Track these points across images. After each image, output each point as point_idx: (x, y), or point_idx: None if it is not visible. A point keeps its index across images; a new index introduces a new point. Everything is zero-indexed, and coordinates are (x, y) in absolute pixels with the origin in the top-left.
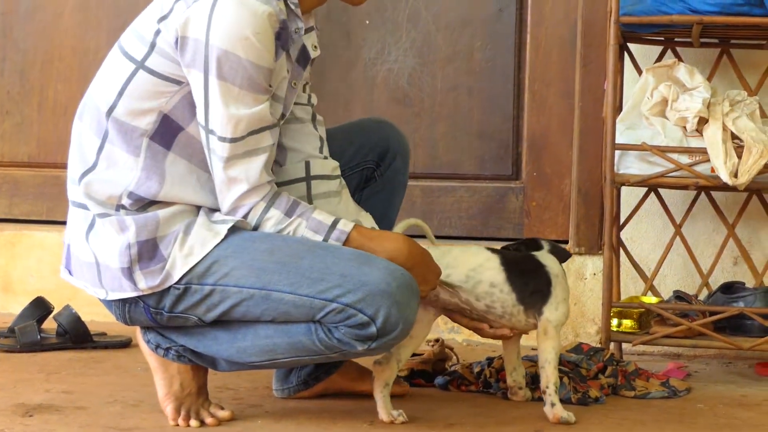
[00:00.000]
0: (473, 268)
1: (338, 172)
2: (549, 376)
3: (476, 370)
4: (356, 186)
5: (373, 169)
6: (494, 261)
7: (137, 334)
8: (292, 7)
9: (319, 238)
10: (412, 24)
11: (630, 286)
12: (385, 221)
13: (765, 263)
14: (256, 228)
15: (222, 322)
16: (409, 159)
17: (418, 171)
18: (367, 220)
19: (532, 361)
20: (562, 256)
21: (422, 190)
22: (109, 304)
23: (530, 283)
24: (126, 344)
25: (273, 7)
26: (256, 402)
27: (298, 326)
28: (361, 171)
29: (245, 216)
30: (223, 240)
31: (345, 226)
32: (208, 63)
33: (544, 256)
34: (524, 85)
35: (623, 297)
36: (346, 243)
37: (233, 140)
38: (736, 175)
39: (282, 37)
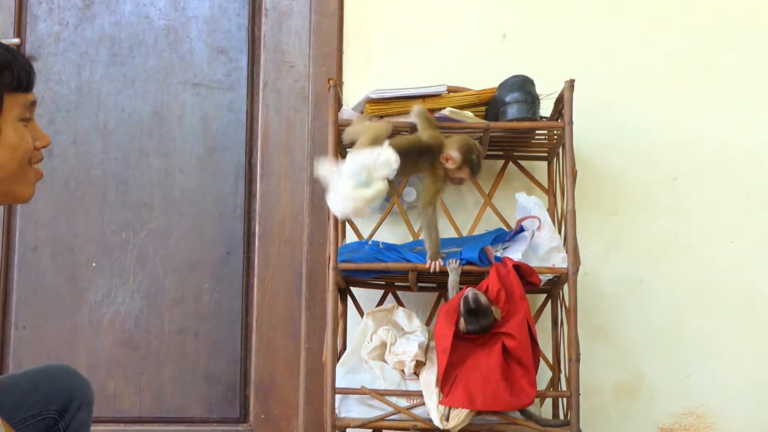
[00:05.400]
0: None
1: None
2: None
3: None
4: None
5: (55, 419)
6: None
7: None
8: None
9: None
10: (140, 267)
11: None
12: None
13: None
14: None
15: None
16: (92, 409)
17: (144, 415)
18: None
19: None
20: None
21: None
22: None
23: None
24: None
25: None
26: None
27: None
28: (42, 420)
29: None
30: None
31: None
32: None
33: None
34: (252, 327)
35: None
36: None
37: None
38: (447, 419)
39: None
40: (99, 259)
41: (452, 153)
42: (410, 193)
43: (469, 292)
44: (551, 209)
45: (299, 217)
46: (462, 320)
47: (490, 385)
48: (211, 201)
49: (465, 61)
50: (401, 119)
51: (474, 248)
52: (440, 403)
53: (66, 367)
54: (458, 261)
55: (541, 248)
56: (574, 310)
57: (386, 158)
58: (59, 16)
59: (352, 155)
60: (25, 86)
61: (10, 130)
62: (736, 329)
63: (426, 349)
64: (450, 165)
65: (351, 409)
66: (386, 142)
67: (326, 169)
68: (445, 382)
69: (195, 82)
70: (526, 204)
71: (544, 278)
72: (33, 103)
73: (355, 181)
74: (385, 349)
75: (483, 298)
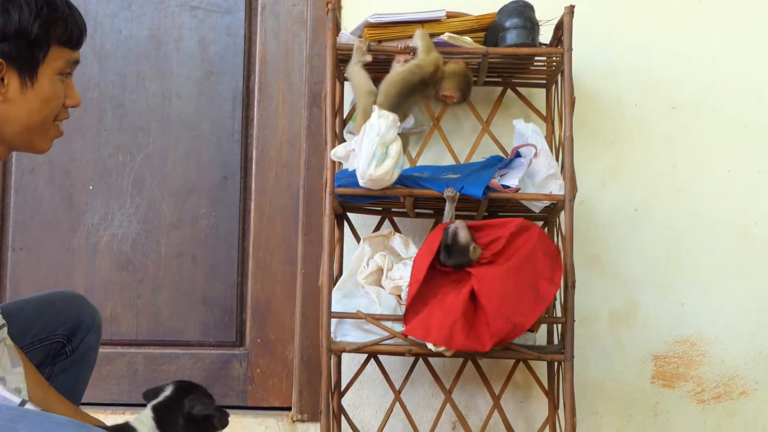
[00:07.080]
0: None
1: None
2: None
3: None
4: (43, 360)
5: (63, 343)
6: None
7: None
8: None
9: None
10: (137, 190)
11: None
12: (74, 396)
13: (481, 427)
14: None
15: None
16: (101, 334)
17: (141, 338)
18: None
19: None
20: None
21: (145, 357)
22: None
23: None
24: None
25: None
26: None
27: None
28: (49, 345)
29: None
30: None
31: None
32: None
33: None
34: (248, 251)
35: None
36: None
37: None
38: None
39: None
40: (96, 182)
41: (452, 93)
42: (409, 120)
43: (453, 225)
44: (549, 137)
45: (296, 142)
46: (440, 251)
47: (447, 321)
48: (208, 125)
49: None
50: (400, 43)
51: (475, 181)
52: (402, 332)
53: (72, 292)
54: (455, 190)
55: (538, 175)
56: (570, 238)
57: (387, 123)
58: None
59: (357, 141)
60: (74, 43)
61: (47, 82)
62: (730, 259)
63: None
64: (449, 101)
65: (347, 334)
66: (374, 107)
67: (343, 150)
68: (409, 311)
69: (192, 5)
70: (524, 131)
71: (540, 205)
72: (76, 62)
73: (374, 162)
74: (381, 275)
75: (463, 236)
